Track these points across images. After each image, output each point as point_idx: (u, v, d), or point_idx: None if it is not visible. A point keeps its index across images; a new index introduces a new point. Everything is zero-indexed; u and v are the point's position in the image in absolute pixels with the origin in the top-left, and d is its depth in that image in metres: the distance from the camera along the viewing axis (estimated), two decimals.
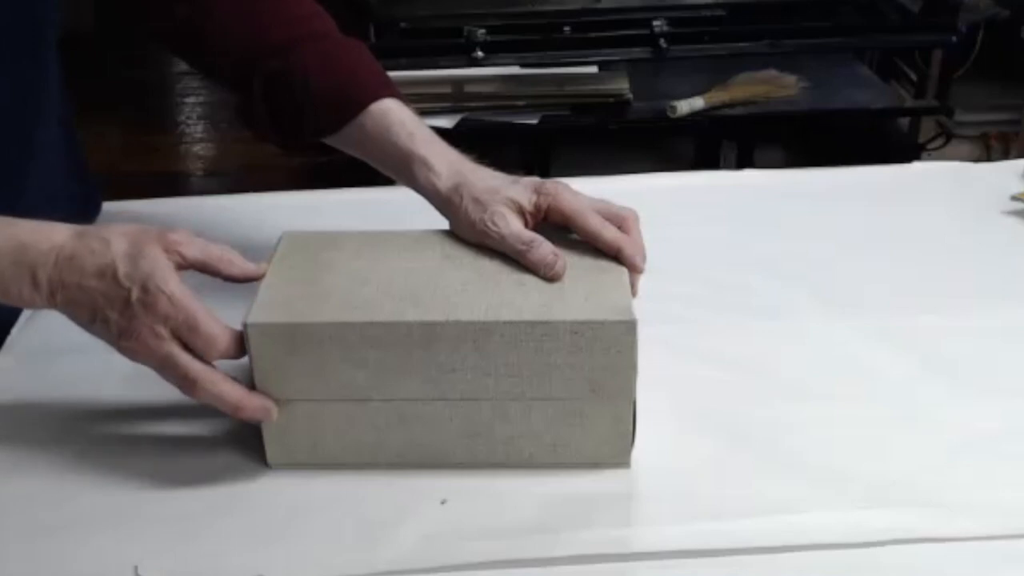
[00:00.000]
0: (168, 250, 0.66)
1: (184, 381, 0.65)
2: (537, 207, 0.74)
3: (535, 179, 0.76)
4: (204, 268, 0.68)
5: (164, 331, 0.65)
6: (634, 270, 0.72)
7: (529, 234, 0.72)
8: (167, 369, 0.66)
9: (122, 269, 0.65)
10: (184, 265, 0.67)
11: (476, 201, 0.74)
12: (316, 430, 0.69)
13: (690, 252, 0.93)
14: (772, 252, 0.94)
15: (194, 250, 0.67)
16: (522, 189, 0.74)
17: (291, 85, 0.81)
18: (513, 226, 0.72)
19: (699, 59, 1.92)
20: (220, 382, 0.66)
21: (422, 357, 0.66)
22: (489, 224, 0.72)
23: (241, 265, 0.69)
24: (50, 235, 0.67)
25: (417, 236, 0.75)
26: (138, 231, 0.67)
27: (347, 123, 0.80)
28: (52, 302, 0.66)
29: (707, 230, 0.98)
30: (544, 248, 0.71)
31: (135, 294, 0.64)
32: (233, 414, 0.67)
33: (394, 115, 0.80)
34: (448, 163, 0.77)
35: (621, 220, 0.74)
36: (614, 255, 0.72)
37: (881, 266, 0.92)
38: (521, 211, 0.74)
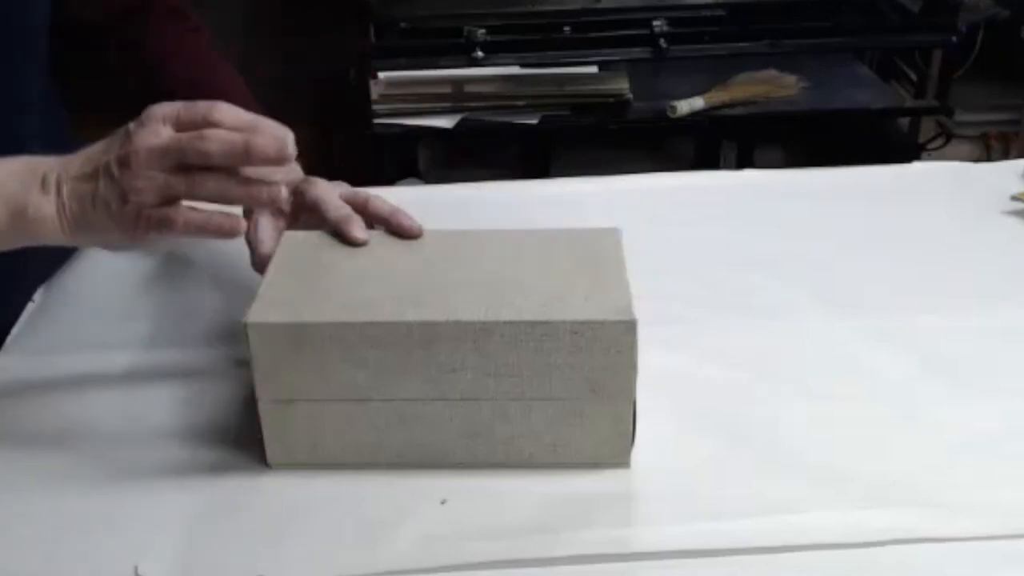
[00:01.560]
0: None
1: (195, 141, 0.64)
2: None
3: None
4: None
5: (167, 127, 0.65)
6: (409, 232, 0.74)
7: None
8: (174, 150, 0.65)
9: (127, 127, 0.66)
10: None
11: None
12: (316, 430, 0.69)
13: (690, 252, 0.93)
14: (772, 252, 0.94)
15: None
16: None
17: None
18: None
19: (699, 59, 1.92)
20: (225, 132, 0.65)
21: (422, 357, 0.66)
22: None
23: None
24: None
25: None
26: None
27: None
28: (59, 203, 0.66)
29: (707, 230, 0.98)
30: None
31: (132, 125, 0.65)
32: (243, 158, 0.65)
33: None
34: None
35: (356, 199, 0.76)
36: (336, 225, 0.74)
37: (881, 266, 0.92)
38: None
